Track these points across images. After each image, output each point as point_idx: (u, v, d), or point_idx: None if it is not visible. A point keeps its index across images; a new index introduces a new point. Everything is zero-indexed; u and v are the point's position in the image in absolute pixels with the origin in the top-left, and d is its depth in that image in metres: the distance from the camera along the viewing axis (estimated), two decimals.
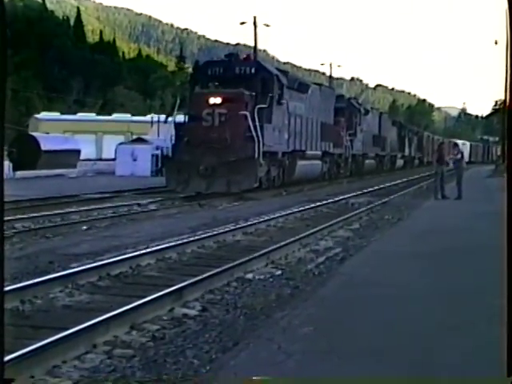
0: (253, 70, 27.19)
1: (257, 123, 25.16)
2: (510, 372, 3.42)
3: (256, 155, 24.93)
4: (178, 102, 28.18)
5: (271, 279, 9.91)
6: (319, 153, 34.09)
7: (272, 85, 26.98)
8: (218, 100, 25.26)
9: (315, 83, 38.34)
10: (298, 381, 5.25)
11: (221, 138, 24.75)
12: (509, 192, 3.45)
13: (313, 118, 32.94)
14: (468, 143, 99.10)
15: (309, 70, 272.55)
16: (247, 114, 25.08)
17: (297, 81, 32.55)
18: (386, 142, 54.11)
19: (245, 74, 26.94)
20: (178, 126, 26.72)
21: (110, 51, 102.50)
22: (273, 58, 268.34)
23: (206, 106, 25.23)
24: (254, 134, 24.91)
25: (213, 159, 24.59)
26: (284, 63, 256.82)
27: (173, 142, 26.30)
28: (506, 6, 3.43)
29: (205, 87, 27.02)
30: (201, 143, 24.74)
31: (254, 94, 25.95)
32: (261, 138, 25.13)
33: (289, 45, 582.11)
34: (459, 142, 63.72)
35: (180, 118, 27.88)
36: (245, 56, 29.81)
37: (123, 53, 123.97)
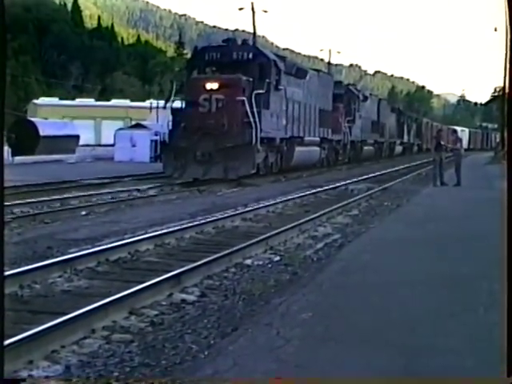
0: (250, 56, 27.03)
1: (254, 109, 25.01)
2: (510, 372, 3.42)
3: (253, 141, 24.81)
4: (176, 87, 27.97)
5: (270, 265, 9.92)
6: (317, 139, 34.02)
7: (269, 70, 26.85)
8: (215, 85, 25.08)
9: (313, 69, 38.23)
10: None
11: (218, 123, 24.60)
12: (509, 179, 3.45)
13: (311, 103, 32.86)
14: (467, 130, 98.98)
15: (308, 56, 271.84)
16: (244, 99, 24.93)
17: (295, 66, 32.43)
18: (384, 128, 54.04)
19: (242, 60, 26.77)
20: (174, 111, 26.57)
21: (108, 37, 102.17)
22: (272, 43, 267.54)
23: (203, 92, 25.04)
24: (251, 119, 24.78)
25: (210, 145, 24.47)
26: (283, 49, 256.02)
27: (170, 127, 26.20)
28: None
29: (202, 73, 26.91)
30: (198, 129, 24.59)
31: (251, 79, 25.76)
32: (258, 124, 24.99)
33: (288, 31, 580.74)
34: (458, 128, 63.73)
35: (178, 103, 27.71)
36: (242, 41, 29.65)
37: (122, 38, 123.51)
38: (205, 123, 24.56)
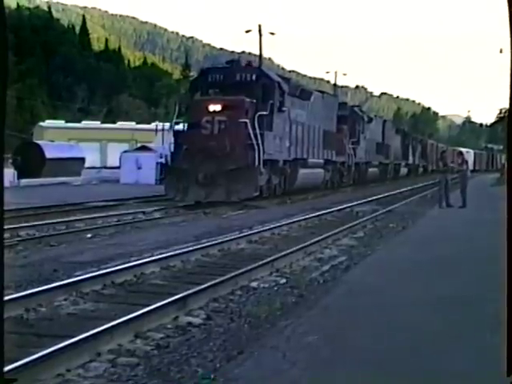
0: (254, 77, 26.86)
1: (257, 131, 24.76)
2: (510, 372, 3.41)
3: (256, 163, 24.56)
4: (178, 109, 27.78)
5: (276, 287, 9.89)
6: (321, 161, 33.90)
7: (273, 92, 26.67)
8: (218, 107, 24.92)
9: (318, 90, 38.25)
10: None
11: (220, 145, 24.36)
12: (509, 198, 3.45)
13: (315, 125, 32.72)
14: (472, 151, 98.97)
15: (314, 78, 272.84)
16: (247, 121, 24.68)
17: (299, 88, 32.41)
18: (389, 150, 54.01)
19: (245, 81, 26.61)
20: (177, 133, 26.44)
21: (115, 59, 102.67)
22: (278, 66, 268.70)
23: (206, 114, 24.85)
24: (254, 141, 24.55)
25: (212, 167, 24.21)
26: (289, 71, 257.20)
27: (172, 149, 26.05)
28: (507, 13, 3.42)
29: (205, 94, 26.84)
30: (200, 151, 24.34)
31: (254, 101, 25.57)
32: (261, 146, 24.76)
33: (294, 53, 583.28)
34: (463, 150, 63.73)
35: (181, 125, 27.55)
36: (246, 63, 29.61)
37: (128, 61, 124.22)
38: (207, 145, 24.33)
